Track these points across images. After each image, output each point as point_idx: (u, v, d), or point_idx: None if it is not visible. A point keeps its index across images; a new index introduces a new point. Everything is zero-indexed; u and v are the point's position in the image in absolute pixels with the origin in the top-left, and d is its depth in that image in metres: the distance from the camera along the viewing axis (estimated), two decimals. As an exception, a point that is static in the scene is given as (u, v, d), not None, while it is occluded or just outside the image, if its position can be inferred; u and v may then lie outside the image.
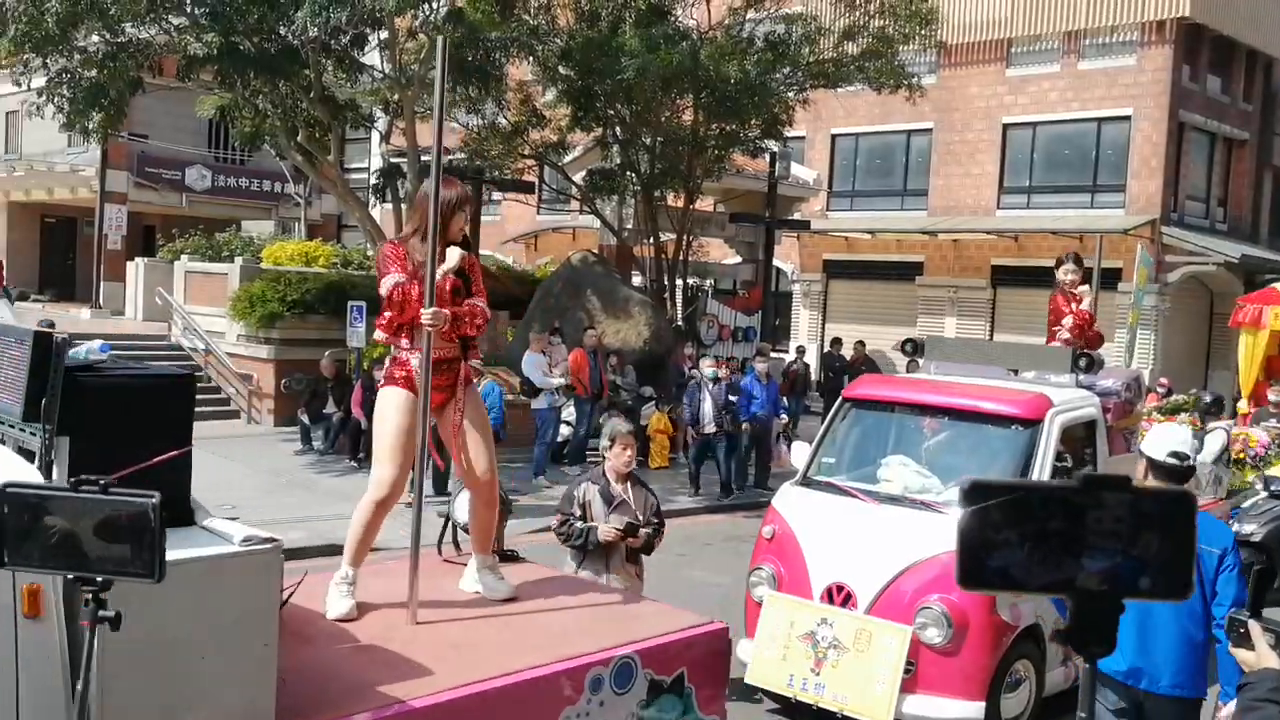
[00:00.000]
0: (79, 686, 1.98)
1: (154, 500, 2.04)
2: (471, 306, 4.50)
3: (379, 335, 4.56)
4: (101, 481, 2.11)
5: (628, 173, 18.78)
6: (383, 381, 4.69)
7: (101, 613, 2.07)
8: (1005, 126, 25.16)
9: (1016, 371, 7.74)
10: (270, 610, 3.22)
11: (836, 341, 20.74)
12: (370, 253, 19.10)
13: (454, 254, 4.40)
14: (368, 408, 14.07)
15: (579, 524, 5.95)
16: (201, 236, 23.22)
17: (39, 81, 14.59)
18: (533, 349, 14.93)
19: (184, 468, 3.54)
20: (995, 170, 25.33)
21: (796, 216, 23.89)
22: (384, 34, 15.20)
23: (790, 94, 18.31)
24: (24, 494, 2.11)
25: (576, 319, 17.52)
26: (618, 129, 18.54)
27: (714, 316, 20.91)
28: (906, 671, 5.90)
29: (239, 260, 19.85)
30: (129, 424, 3.43)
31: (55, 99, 14.26)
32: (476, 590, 4.55)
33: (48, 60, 13.99)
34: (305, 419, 15.80)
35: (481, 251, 16.81)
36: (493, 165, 18.62)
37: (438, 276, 4.30)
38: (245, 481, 12.84)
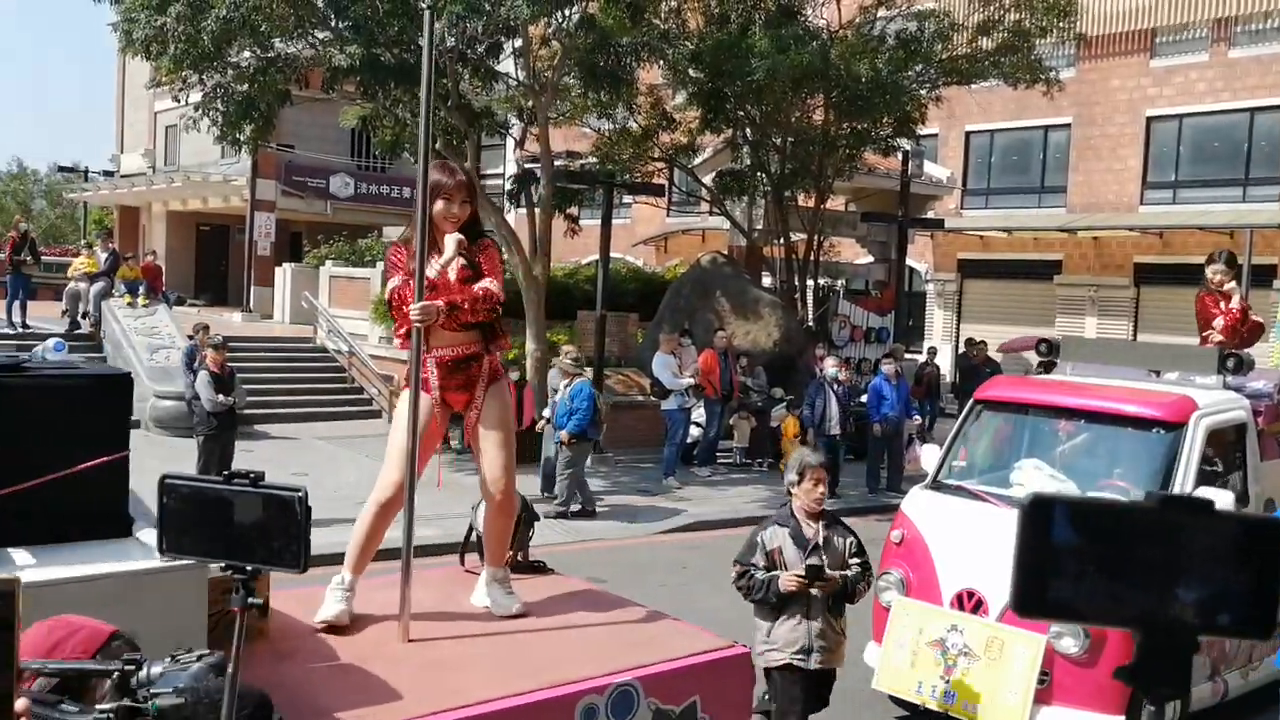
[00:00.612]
0: (230, 670, 2.08)
1: (300, 494, 2.15)
2: (473, 292, 4.14)
3: (396, 343, 4.39)
4: (251, 476, 2.22)
5: (758, 173, 18.76)
6: (402, 384, 4.46)
7: (250, 600, 2.18)
8: (1149, 119, 24.26)
9: (1158, 373, 7.48)
10: (196, 629, 3.01)
11: (970, 342, 20.31)
12: (505, 257, 19.48)
13: (451, 242, 4.12)
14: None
15: (760, 574, 5.23)
16: (344, 242, 24.07)
17: (195, 97, 15.35)
18: (663, 350, 15.05)
19: (119, 473, 3.38)
20: (1139, 165, 24.44)
21: (930, 215, 23.48)
22: (518, 42, 15.52)
23: (923, 91, 18.05)
24: (180, 485, 2.25)
25: (706, 320, 17.59)
26: (748, 130, 18.54)
27: (846, 317, 20.71)
28: (1040, 682, 5.72)
29: (380, 265, 20.50)
30: (57, 426, 3.26)
31: (210, 113, 14.96)
32: (486, 605, 4.23)
33: (204, 77, 14.72)
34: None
35: (612, 254, 17.05)
36: (623, 169, 18.81)
37: (434, 270, 4.06)
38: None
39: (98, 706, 1.91)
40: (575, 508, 12.41)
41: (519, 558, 4.72)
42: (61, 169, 43.88)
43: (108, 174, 36.59)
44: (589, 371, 14.84)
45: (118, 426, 3.42)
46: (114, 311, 18.70)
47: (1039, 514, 1.00)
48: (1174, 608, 1.00)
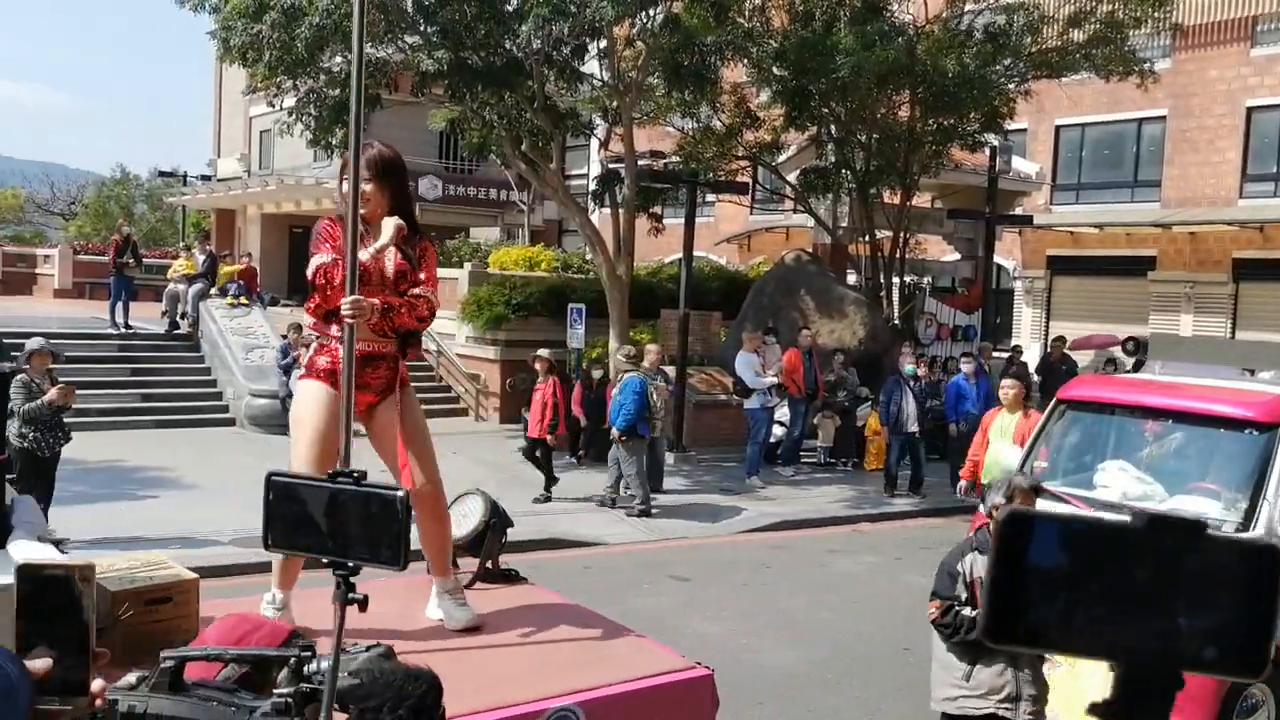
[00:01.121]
0: (328, 664, 2.15)
1: (401, 494, 2.23)
2: (414, 298, 3.93)
3: (307, 321, 4.05)
4: (355, 475, 2.30)
5: (842, 171, 18.65)
6: (302, 372, 4.15)
7: (351, 595, 2.27)
8: (1249, 110, 23.52)
9: (1253, 371, 7.30)
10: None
11: (1060, 340, 19.92)
12: (589, 256, 19.69)
13: (389, 226, 3.87)
14: (587, 406, 14.56)
15: (967, 611, 4.65)
16: (434, 244, 24.47)
17: (289, 102, 15.78)
18: (746, 349, 15.05)
19: None
20: (1238, 157, 23.72)
21: (1018, 211, 23.09)
22: (603, 43, 15.66)
23: (1011, 86, 17.77)
24: (286, 482, 2.35)
25: (790, 318, 17.55)
26: (832, 127, 18.45)
27: (932, 315, 20.47)
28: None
29: (468, 266, 20.82)
30: None
31: (303, 118, 15.36)
32: (439, 618, 4.00)
33: (297, 82, 15.14)
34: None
35: (696, 252, 17.09)
36: (707, 167, 18.85)
37: (367, 256, 3.79)
38: (471, 476, 13.48)
39: (276, 690, 2.07)
40: (639, 506, 12.54)
41: (488, 565, 4.53)
42: (162, 174, 45.31)
43: (205, 178, 37.68)
44: (669, 368, 14.91)
45: None
46: (211, 312, 19.28)
47: (1016, 532, 0.90)
48: (1158, 640, 0.91)
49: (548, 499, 12.83)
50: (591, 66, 16.65)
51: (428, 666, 1.83)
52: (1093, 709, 0.97)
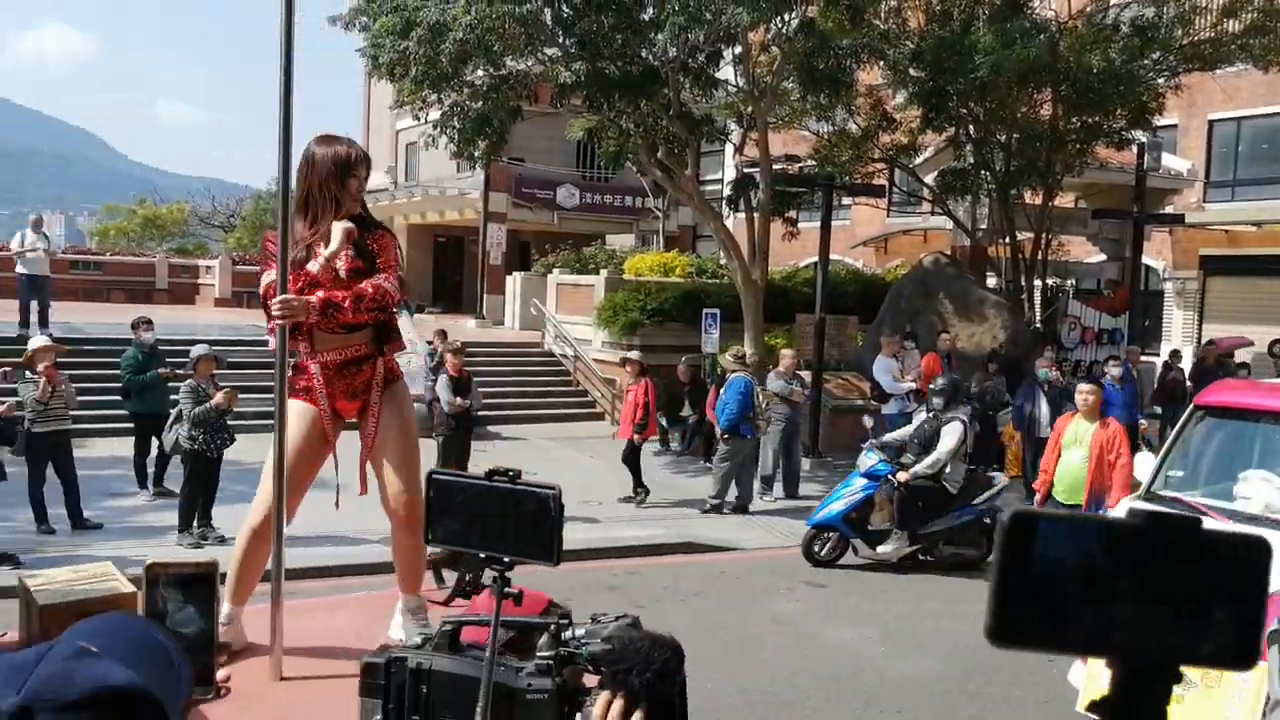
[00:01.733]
0: (488, 653, 2.29)
1: (555, 492, 2.36)
2: (359, 288, 3.65)
3: (270, 341, 3.80)
4: (510, 473, 2.44)
5: (982, 172, 18.32)
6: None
7: (506, 590, 2.40)
8: None
9: None
10: None
11: (1210, 344, 19.12)
12: (724, 261, 19.79)
13: (338, 231, 3.66)
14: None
15: None
16: (570, 251, 24.95)
17: (434, 115, 16.34)
18: (884, 353, 14.92)
19: None
20: None
21: (1168, 210, 22.26)
22: (738, 49, 15.76)
23: (1160, 80, 17.18)
24: (446, 480, 2.51)
25: (928, 322, 17.32)
26: (971, 128, 18.14)
27: (1076, 318, 19.90)
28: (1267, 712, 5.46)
29: (604, 272, 21.16)
30: None
31: (447, 130, 15.89)
32: (399, 638, 3.80)
33: (441, 96, 15.66)
34: (663, 422, 16.62)
35: (831, 256, 17.02)
36: (842, 170, 18.75)
37: (316, 266, 3.62)
38: (608, 480, 13.73)
39: (538, 654, 2.30)
40: (712, 501, 12.60)
41: (466, 580, 4.25)
42: (314, 187, 47.06)
43: (354, 190, 38.99)
44: (805, 373, 14.86)
45: None
46: (361, 318, 20.03)
47: (1021, 532, 0.90)
48: (1157, 636, 0.91)
49: (640, 501, 12.83)
50: (726, 72, 16.76)
51: (672, 635, 2.00)
52: (1093, 707, 0.97)
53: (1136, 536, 0.91)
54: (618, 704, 1.66)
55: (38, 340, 10.38)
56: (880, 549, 10.29)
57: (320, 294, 3.56)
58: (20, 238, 17.00)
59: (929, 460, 10.08)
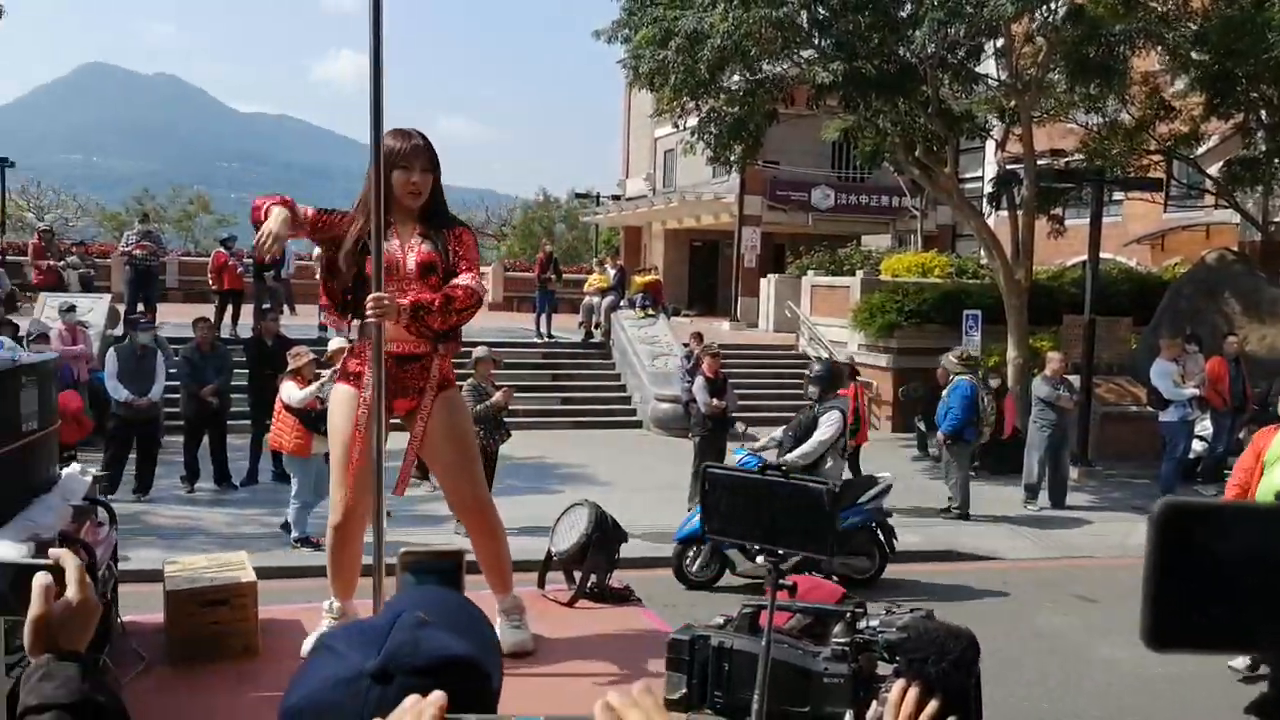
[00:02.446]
0: (764, 642, 2.36)
1: (829, 487, 2.42)
2: (448, 290, 3.54)
3: (325, 318, 3.75)
4: (783, 469, 2.52)
5: (1274, 160, 16.94)
6: (336, 376, 3.96)
7: (781, 581, 2.47)
8: None
9: None
10: None
11: None
12: (985, 261, 19.17)
13: (277, 216, 3.54)
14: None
15: None
16: (824, 252, 24.80)
17: (691, 122, 16.66)
18: (1164, 356, 14.03)
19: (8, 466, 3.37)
20: None
21: None
22: (1000, 42, 15.26)
23: None
24: (721, 475, 2.61)
25: (1211, 323, 16.20)
26: (1263, 113, 16.81)
27: (1388, 318, 18.08)
28: None
29: (860, 273, 20.92)
30: None
31: (705, 136, 16.16)
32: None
33: (699, 102, 15.95)
34: (922, 426, 16.27)
35: (1102, 254, 16.19)
36: (1114, 164, 17.78)
37: (266, 248, 3.53)
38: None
39: (834, 640, 2.45)
40: (956, 509, 12.28)
41: (592, 584, 4.25)
42: (577, 195, 48.86)
43: (615, 198, 40.30)
44: (1073, 377, 14.23)
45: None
46: (621, 322, 20.66)
47: (1173, 525, 0.85)
48: None
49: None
50: (987, 66, 16.25)
51: (967, 627, 2.05)
52: (1249, 708, 0.92)
53: None
54: (913, 692, 1.68)
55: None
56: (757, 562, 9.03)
57: (410, 297, 3.48)
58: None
59: (801, 449, 8.79)
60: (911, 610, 2.34)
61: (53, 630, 1.30)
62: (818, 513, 2.38)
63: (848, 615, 2.42)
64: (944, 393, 12.68)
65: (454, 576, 3.81)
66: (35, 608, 1.30)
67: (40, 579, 1.31)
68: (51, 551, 1.38)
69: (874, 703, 2.12)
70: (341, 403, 3.76)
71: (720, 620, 2.63)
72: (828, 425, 8.92)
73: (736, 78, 15.55)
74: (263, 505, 11.56)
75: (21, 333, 12.65)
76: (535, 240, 45.39)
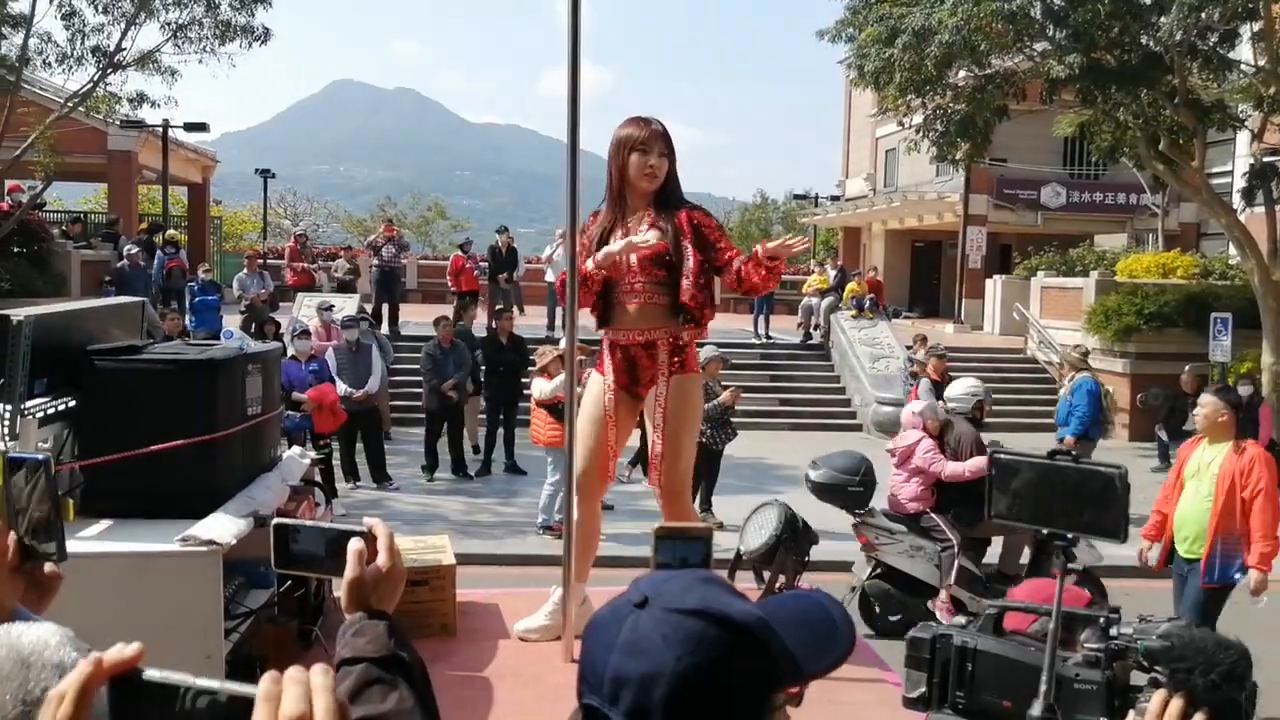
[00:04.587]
0: (1051, 630, 2.33)
1: (1121, 470, 2.36)
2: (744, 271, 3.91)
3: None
4: (1073, 453, 2.47)
5: None
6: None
7: (1070, 565, 2.43)
8: None
9: None
10: (209, 617, 2.94)
11: None
12: (1235, 261, 17.98)
13: (619, 243, 3.88)
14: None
15: None
16: (1054, 253, 23.80)
17: (916, 120, 16.35)
18: None
19: (203, 458, 3.36)
20: None
21: None
22: (1257, 25, 14.30)
23: None
24: (1007, 460, 2.56)
25: None
26: None
27: None
28: None
29: (1094, 274, 20.00)
30: (136, 407, 3.34)
31: (929, 134, 15.83)
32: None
33: (925, 100, 15.65)
34: (1163, 435, 15.40)
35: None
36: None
37: (618, 249, 3.80)
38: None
39: (1085, 645, 2.44)
40: None
41: (780, 584, 4.26)
42: (796, 196, 48.61)
43: (834, 198, 39.87)
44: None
45: (197, 411, 3.47)
46: (840, 324, 20.46)
47: None
48: None
49: None
50: (1242, 52, 15.25)
51: (1237, 637, 1.94)
52: None
53: None
54: (1175, 704, 1.49)
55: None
56: None
57: (638, 254, 3.83)
58: (551, 249, 19.25)
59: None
60: (1170, 619, 2.25)
61: (365, 592, 1.43)
62: (1109, 496, 2.34)
63: (1101, 620, 2.35)
64: (1062, 391, 12.12)
65: (704, 553, 3.94)
66: (350, 570, 1.42)
67: (355, 544, 1.43)
68: (366, 520, 1.49)
69: (1130, 712, 2.03)
70: (592, 388, 4.14)
71: (962, 619, 2.60)
72: None
73: (964, 74, 15.18)
74: (496, 495, 12.11)
75: (283, 330, 13.66)
76: (752, 242, 45.33)
